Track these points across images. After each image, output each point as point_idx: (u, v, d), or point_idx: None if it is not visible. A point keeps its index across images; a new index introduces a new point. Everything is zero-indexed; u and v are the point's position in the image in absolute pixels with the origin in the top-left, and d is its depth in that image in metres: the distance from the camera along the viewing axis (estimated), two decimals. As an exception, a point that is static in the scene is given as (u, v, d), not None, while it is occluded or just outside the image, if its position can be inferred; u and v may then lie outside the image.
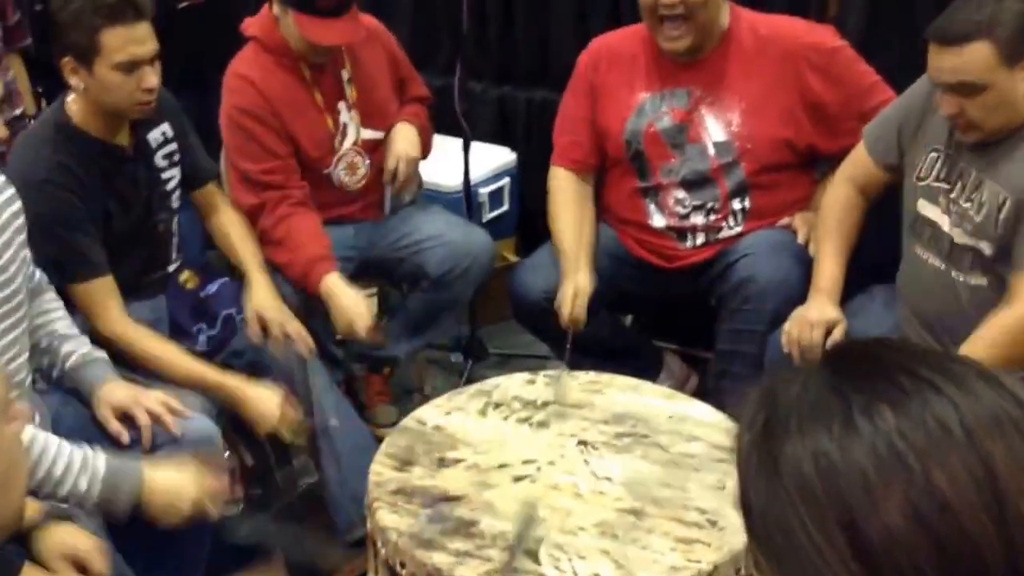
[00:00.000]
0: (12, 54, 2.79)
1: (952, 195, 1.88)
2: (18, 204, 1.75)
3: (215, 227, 2.32)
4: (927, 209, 1.93)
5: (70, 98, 2.01)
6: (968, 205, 1.85)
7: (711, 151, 2.24)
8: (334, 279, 2.27)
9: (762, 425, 0.64)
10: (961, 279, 1.89)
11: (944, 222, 1.89)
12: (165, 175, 2.16)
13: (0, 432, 0.89)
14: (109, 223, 2.01)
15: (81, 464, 1.55)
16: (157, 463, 1.65)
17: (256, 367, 2.12)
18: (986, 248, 1.83)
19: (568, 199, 2.32)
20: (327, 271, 2.27)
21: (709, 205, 2.26)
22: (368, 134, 2.45)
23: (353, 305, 2.24)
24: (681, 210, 2.28)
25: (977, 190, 1.84)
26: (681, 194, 2.27)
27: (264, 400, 1.98)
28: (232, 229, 2.29)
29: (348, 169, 2.43)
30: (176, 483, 1.61)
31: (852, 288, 2.21)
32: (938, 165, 1.92)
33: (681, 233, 2.30)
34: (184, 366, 1.99)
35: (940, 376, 0.61)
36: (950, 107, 1.79)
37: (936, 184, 1.92)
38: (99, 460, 1.57)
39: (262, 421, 1.98)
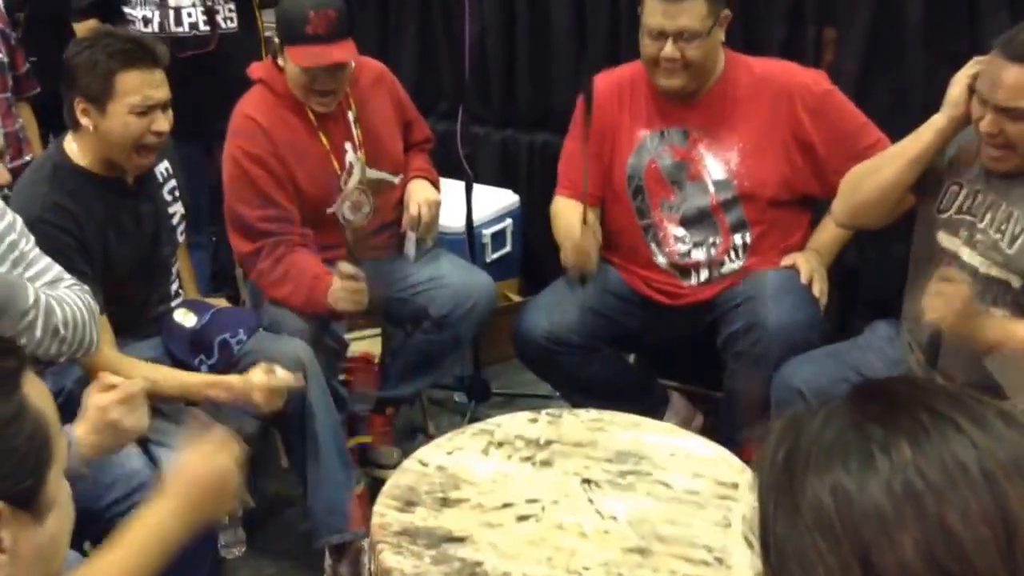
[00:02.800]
0: (22, 102, 2.85)
1: (980, 226, 1.87)
2: (14, 236, 1.75)
3: None
4: (947, 241, 1.92)
5: (68, 138, 2.04)
6: (998, 236, 1.84)
7: (711, 188, 2.26)
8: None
9: (784, 458, 0.64)
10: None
11: (965, 253, 1.89)
12: (170, 209, 2.19)
13: (63, 488, 0.90)
14: (109, 258, 2.03)
15: None
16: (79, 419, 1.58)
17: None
18: (1015, 280, 1.82)
19: (571, 206, 2.32)
20: (330, 281, 2.25)
21: (710, 240, 2.28)
22: (374, 174, 2.48)
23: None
24: (681, 247, 2.29)
25: (1008, 221, 1.83)
26: (680, 231, 2.29)
27: (257, 374, 2.01)
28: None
29: (352, 207, 2.46)
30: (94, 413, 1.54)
31: (855, 324, 2.22)
32: (960, 198, 1.91)
33: (684, 270, 2.31)
34: (173, 379, 2.01)
35: (961, 415, 0.61)
36: (991, 126, 1.76)
37: (958, 216, 1.91)
38: None
39: (255, 394, 1.99)
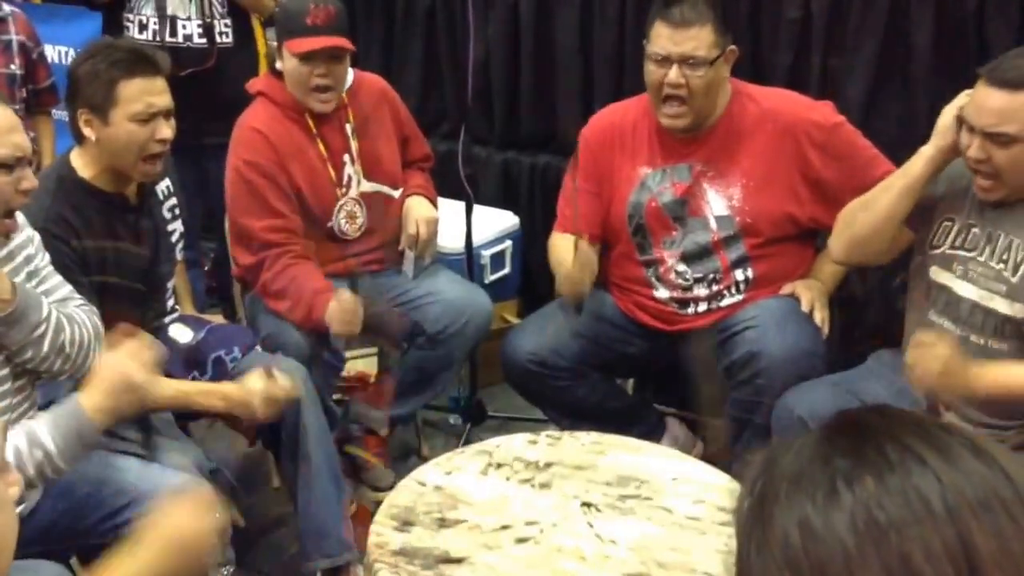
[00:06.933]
0: (42, 115, 2.84)
1: (980, 259, 1.86)
2: (31, 249, 1.75)
3: None
4: (940, 276, 1.92)
5: (75, 152, 2.03)
6: (1000, 266, 1.83)
7: (712, 224, 2.25)
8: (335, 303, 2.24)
9: (759, 492, 0.64)
10: (980, 342, 1.86)
11: (959, 287, 1.88)
12: (170, 227, 2.18)
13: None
14: (107, 273, 2.01)
15: (27, 439, 1.52)
16: (87, 386, 1.58)
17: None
18: (1021, 311, 1.81)
19: (568, 240, 2.30)
20: (330, 299, 2.25)
21: (711, 276, 2.26)
22: (370, 186, 2.48)
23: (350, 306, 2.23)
24: (683, 282, 2.28)
25: (1009, 250, 1.83)
26: (682, 267, 2.27)
27: (243, 389, 1.97)
28: None
29: (348, 218, 2.47)
30: (109, 373, 1.55)
31: (859, 352, 2.20)
32: (952, 233, 1.91)
33: (683, 303, 2.29)
34: (169, 386, 1.97)
35: (930, 449, 0.60)
36: (979, 152, 1.77)
37: (951, 252, 1.91)
38: (38, 424, 1.54)
39: (253, 403, 1.95)
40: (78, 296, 1.81)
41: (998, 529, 0.57)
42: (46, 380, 1.96)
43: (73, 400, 1.56)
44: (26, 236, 1.74)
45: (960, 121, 1.82)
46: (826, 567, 0.58)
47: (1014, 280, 1.82)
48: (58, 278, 1.79)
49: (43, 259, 1.77)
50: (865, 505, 0.58)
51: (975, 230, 1.87)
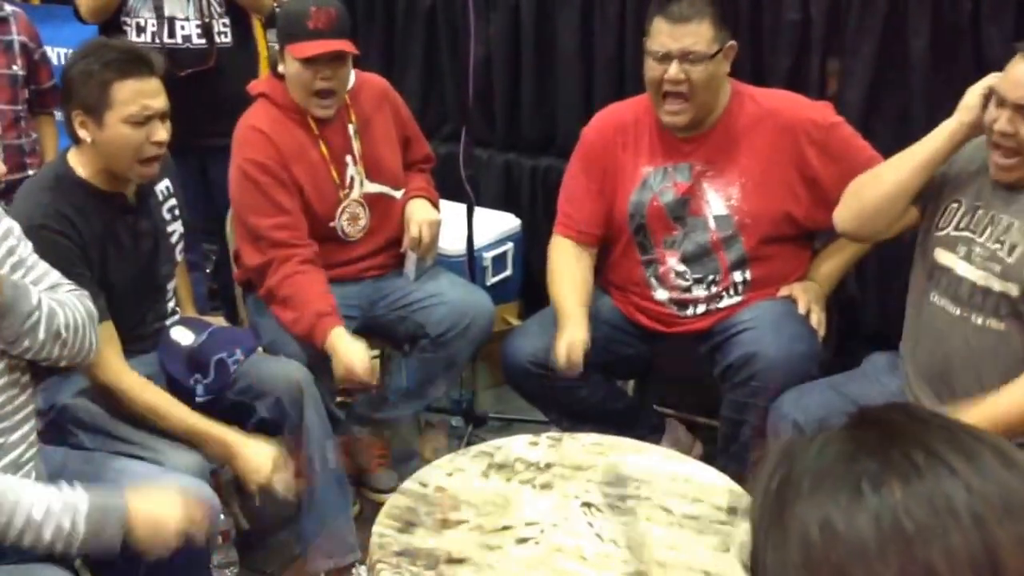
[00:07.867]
0: (46, 116, 2.85)
1: (980, 239, 1.87)
2: (12, 241, 1.74)
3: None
4: (943, 257, 1.93)
5: (72, 152, 2.03)
6: (997, 247, 1.84)
7: (711, 224, 2.26)
8: (339, 332, 2.28)
9: (777, 487, 0.63)
10: (979, 322, 1.87)
11: (961, 267, 1.89)
12: (169, 228, 2.19)
13: None
14: (106, 273, 2.01)
15: (62, 505, 1.52)
16: (141, 493, 1.61)
17: (246, 392, 2.13)
18: (1013, 290, 1.82)
19: (568, 265, 2.34)
20: (333, 325, 2.28)
21: (710, 278, 2.27)
22: (372, 187, 2.49)
23: (354, 353, 2.25)
24: (682, 283, 2.29)
25: (1008, 232, 1.84)
26: (681, 267, 2.29)
27: (257, 454, 1.97)
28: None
29: (350, 220, 2.48)
30: (161, 511, 1.58)
31: (855, 355, 2.21)
32: (958, 215, 1.92)
33: (682, 304, 2.31)
34: (179, 417, 1.98)
35: (956, 454, 0.60)
36: (1007, 125, 1.78)
37: (956, 233, 1.92)
38: (81, 498, 1.54)
39: (254, 475, 1.97)
40: (67, 282, 1.80)
41: (1023, 538, 0.57)
42: (45, 384, 1.98)
43: (122, 498, 1.56)
44: (5, 227, 1.72)
45: (987, 98, 1.82)
46: (846, 569, 0.57)
47: (1010, 260, 1.83)
48: (44, 266, 1.77)
49: (25, 248, 1.75)
50: (891, 510, 0.58)
51: (980, 212, 1.88)
